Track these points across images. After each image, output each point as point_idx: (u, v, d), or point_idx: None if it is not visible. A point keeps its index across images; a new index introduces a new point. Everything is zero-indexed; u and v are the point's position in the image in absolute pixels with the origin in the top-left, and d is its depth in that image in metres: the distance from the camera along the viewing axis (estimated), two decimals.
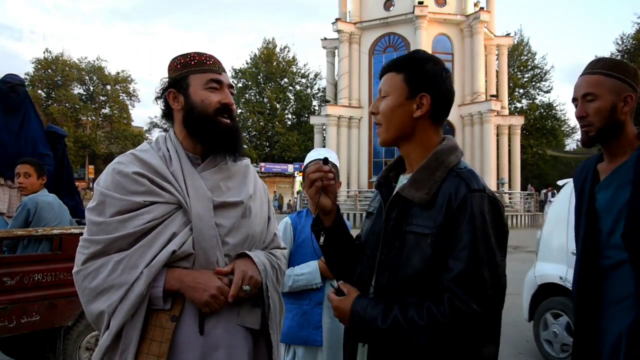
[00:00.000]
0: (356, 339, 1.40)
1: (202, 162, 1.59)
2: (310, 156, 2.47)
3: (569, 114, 38.80)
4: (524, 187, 26.28)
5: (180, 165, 1.53)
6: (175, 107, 1.58)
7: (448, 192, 1.28)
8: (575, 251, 1.91)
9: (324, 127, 25.08)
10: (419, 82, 1.36)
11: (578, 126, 1.84)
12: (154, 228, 1.44)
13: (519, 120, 24.64)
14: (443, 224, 1.25)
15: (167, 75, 1.63)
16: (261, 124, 40.64)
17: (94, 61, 41.31)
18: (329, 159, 2.41)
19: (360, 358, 1.42)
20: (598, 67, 1.73)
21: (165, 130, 1.92)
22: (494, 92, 24.20)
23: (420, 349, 1.23)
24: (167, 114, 1.63)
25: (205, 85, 1.55)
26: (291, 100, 42.98)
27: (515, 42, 34.29)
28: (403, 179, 1.44)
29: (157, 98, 1.63)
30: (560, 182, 4.77)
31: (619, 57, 31.50)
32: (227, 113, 1.57)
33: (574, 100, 1.79)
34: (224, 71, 1.62)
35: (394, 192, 1.40)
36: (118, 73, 41.99)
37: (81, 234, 1.51)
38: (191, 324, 1.44)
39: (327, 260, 1.59)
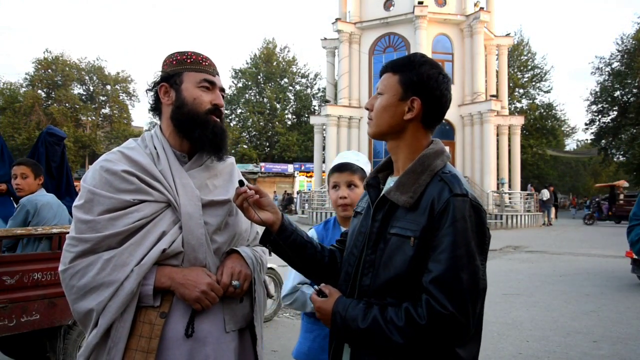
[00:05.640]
0: (338, 339, 1.41)
1: (189, 160, 1.59)
2: (334, 161, 2.31)
3: (569, 114, 38.94)
4: (524, 187, 26.25)
5: (168, 163, 1.54)
6: (165, 101, 1.59)
7: (431, 196, 1.29)
8: None
9: (324, 127, 25.03)
10: (413, 84, 1.38)
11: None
12: (143, 226, 1.45)
13: (519, 120, 24.56)
14: (426, 227, 1.27)
15: (161, 70, 1.62)
16: (261, 124, 40.64)
17: (94, 61, 41.38)
18: (356, 164, 2.19)
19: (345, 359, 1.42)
20: None
21: None
22: (494, 92, 24.14)
23: (398, 349, 1.24)
24: (156, 108, 1.63)
25: (198, 84, 1.56)
26: (291, 100, 42.96)
27: (515, 42, 34.26)
28: (390, 181, 1.46)
29: (147, 90, 1.63)
30: None
31: (618, 57, 31.62)
32: (217, 114, 1.58)
33: None
34: (218, 74, 1.64)
35: (381, 194, 1.41)
36: (118, 73, 41.99)
37: None
38: (180, 321, 1.45)
39: (293, 266, 1.59)
